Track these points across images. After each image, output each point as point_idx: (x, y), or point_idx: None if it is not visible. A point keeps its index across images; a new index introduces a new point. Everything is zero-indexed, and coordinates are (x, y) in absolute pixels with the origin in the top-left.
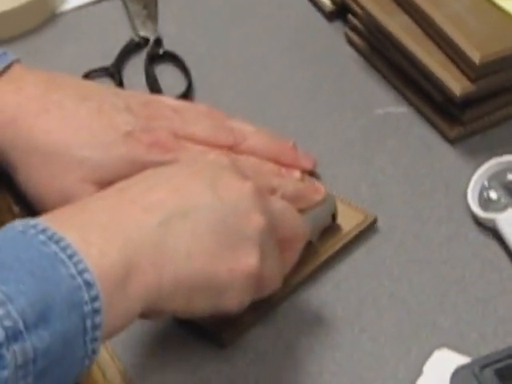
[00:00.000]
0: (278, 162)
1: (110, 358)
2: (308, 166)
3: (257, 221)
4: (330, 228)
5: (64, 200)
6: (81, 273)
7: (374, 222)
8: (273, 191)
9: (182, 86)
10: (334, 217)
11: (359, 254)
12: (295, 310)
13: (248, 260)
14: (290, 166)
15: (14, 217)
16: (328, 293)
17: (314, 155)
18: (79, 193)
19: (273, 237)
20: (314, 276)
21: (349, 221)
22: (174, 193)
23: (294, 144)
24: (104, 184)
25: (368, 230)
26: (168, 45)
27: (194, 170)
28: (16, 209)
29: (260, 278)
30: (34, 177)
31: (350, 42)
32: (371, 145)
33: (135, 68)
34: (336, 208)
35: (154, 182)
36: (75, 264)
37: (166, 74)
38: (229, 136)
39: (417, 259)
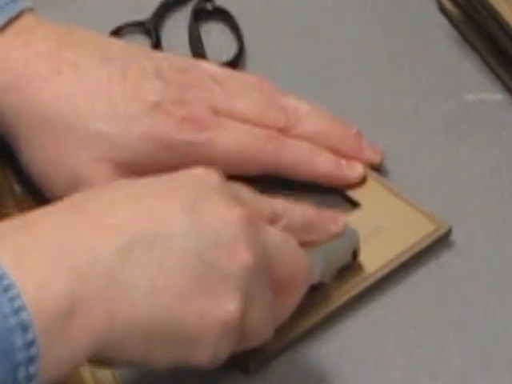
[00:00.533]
0: (336, 150)
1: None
2: (373, 158)
3: (243, 257)
4: (380, 239)
5: (73, 183)
6: (17, 311)
7: (448, 233)
8: (275, 219)
9: (231, 51)
10: (355, 254)
11: (424, 273)
12: (332, 337)
13: (226, 305)
14: (350, 157)
15: (14, 198)
16: (378, 318)
17: (382, 146)
18: (92, 175)
19: (264, 278)
20: (361, 299)
21: (415, 230)
22: (141, 214)
23: (358, 131)
24: (122, 166)
25: (439, 243)
26: None
27: (172, 187)
28: (17, 188)
29: (242, 327)
30: (39, 152)
31: (442, 9)
32: (455, 137)
33: (177, 25)
34: (358, 243)
35: (120, 198)
36: (11, 300)
37: (214, 35)
38: (280, 115)
39: (499, 282)
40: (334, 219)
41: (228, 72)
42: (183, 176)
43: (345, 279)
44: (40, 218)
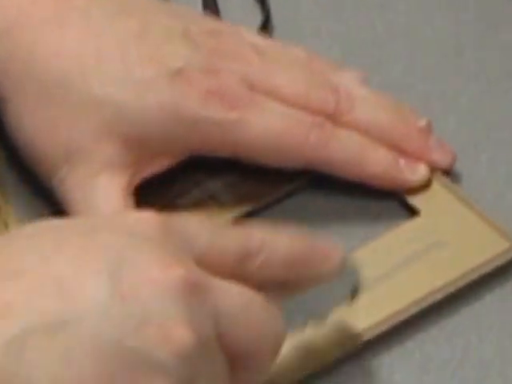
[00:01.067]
0: (397, 147)
1: None
2: (443, 161)
3: (179, 338)
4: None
5: (66, 157)
6: None
7: None
8: (246, 257)
9: (254, 20)
10: (355, 290)
11: (493, 299)
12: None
13: None
14: (414, 156)
15: None
16: (430, 351)
17: (455, 146)
18: (92, 149)
19: (212, 357)
20: (412, 326)
21: (484, 247)
22: (45, 288)
23: (427, 124)
24: (131, 141)
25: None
26: None
27: (92, 244)
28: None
29: None
30: (29, 116)
31: None
32: None
33: None
34: (359, 282)
35: (24, 260)
36: None
37: (234, 1)
38: (329, 98)
39: None
40: (327, 254)
41: (270, 42)
42: (110, 224)
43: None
44: None
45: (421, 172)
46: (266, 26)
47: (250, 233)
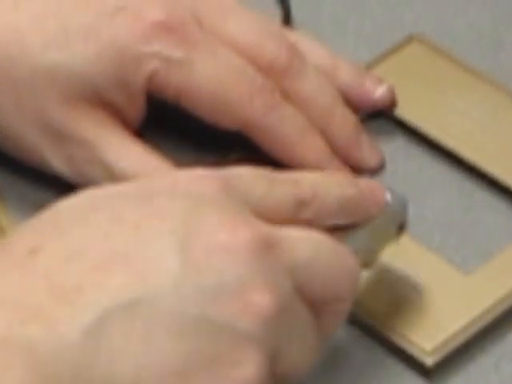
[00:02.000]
0: (329, 133)
1: None
2: (370, 161)
3: (259, 303)
4: None
5: (49, 134)
6: None
7: None
8: (300, 208)
9: (274, 20)
10: (401, 227)
11: None
12: None
13: (243, 372)
14: (343, 148)
15: None
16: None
17: None
18: (67, 122)
19: (295, 312)
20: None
21: None
22: (111, 263)
23: (387, 90)
24: (96, 100)
25: None
26: None
27: (151, 211)
28: None
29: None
30: None
31: None
32: None
33: None
34: (406, 214)
35: (84, 237)
36: None
37: None
38: (282, 54)
39: None
40: (376, 194)
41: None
42: (164, 188)
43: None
44: None
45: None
46: (286, 23)
47: (302, 181)
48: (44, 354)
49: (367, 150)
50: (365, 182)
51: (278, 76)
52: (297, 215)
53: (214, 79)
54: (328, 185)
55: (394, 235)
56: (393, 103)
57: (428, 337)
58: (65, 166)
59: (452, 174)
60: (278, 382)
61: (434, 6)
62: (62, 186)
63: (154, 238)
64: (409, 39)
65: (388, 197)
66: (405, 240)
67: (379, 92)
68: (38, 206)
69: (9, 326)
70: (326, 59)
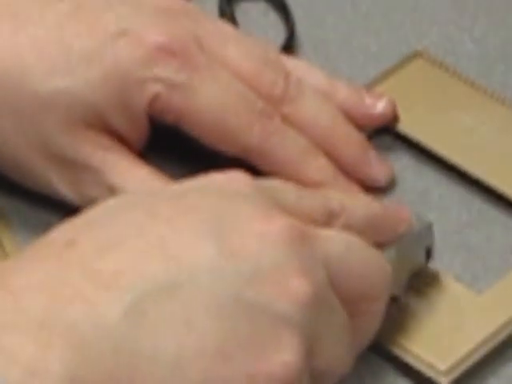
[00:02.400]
0: (335, 153)
1: None
2: (380, 178)
3: (296, 287)
4: None
5: (51, 159)
6: None
7: None
8: (330, 218)
9: (278, 38)
10: (428, 252)
11: None
12: None
13: (281, 356)
14: (351, 167)
15: None
16: None
17: None
18: (71, 146)
19: (330, 303)
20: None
21: None
22: (149, 250)
23: (386, 105)
24: (99, 125)
25: None
26: None
27: (185, 206)
28: None
29: (310, 372)
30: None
31: None
32: None
33: (203, 3)
34: (433, 239)
35: (115, 229)
36: None
37: (252, 16)
38: (279, 81)
39: None
40: (401, 214)
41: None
42: (197, 187)
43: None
44: (16, 275)
45: (356, 192)
46: (290, 44)
47: (330, 196)
48: (85, 334)
49: (376, 166)
50: (388, 202)
51: (276, 103)
52: (327, 226)
53: (215, 103)
54: (354, 201)
55: (421, 261)
56: (395, 117)
57: (442, 357)
58: (71, 191)
59: (460, 191)
60: (314, 381)
61: (438, 22)
62: (67, 208)
63: (186, 229)
64: (413, 56)
65: (414, 218)
66: None
67: (380, 107)
68: (43, 229)
69: (48, 308)
70: (323, 82)
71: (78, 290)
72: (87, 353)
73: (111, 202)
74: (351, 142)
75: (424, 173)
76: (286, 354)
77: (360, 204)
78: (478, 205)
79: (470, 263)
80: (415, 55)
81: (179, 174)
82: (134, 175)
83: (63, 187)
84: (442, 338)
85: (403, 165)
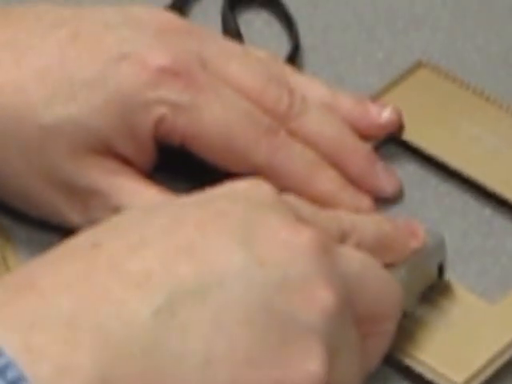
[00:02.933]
0: (342, 166)
1: None
2: (388, 189)
3: (323, 298)
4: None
5: (60, 188)
6: None
7: None
8: (343, 237)
9: (282, 49)
10: (441, 269)
11: None
12: None
13: (307, 364)
14: (359, 179)
15: None
16: None
17: None
18: (80, 173)
19: (348, 319)
20: None
21: None
22: (178, 254)
23: (390, 114)
24: (105, 151)
25: None
26: None
27: (213, 212)
28: None
29: None
30: (4, 164)
31: None
32: None
33: (205, 15)
34: (445, 254)
35: (144, 232)
36: None
37: (256, 27)
38: (284, 97)
39: None
40: (412, 230)
41: (231, 42)
42: (223, 194)
43: None
44: (43, 275)
45: (365, 203)
46: (294, 55)
47: (340, 215)
48: (114, 333)
49: (383, 177)
50: (401, 219)
51: (282, 119)
52: (341, 243)
53: (221, 123)
54: (364, 220)
55: (434, 276)
56: (401, 125)
57: (458, 369)
58: (82, 219)
59: (468, 199)
60: None
61: (442, 31)
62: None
63: (216, 234)
64: (417, 65)
65: (425, 233)
66: None
67: (385, 116)
68: (46, 246)
69: (77, 308)
70: (326, 95)
71: (107, 289)
72: (116, 352)
73: (136, 209)
74: (358, 155)
75: (431, 182)
76: (312, 364)
77: (370, 223)
78: (487, 213)
79: (480, 273)
80: (419, 65)
81: (186, 192)
82: (142, 197)
83: (76, 216)
84: (457, 349)
85: (409, 173)
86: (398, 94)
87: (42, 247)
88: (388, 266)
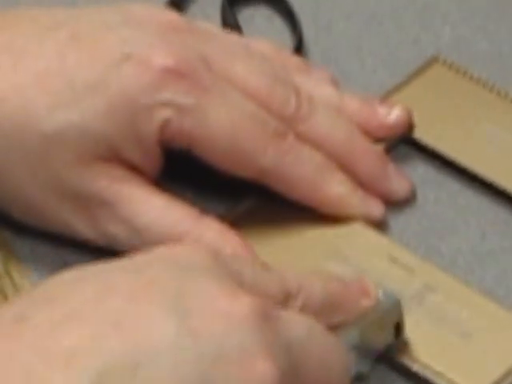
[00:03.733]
0: (352, 168)
1: None
2: (400, 191)
3: (262, 371)
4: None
5: (65, 198)
6: None
7: None
8: (287, 300)
9: (284, 45)
10: (398, 329)
11: None
12: None
13: None
14: (370, 181)
15: None
16: None
17: None
18: (85, 182)
19: None
20: None
21: None
22: (106, 326)
23: (398, 115)
24: (111, 157)
25: None
26: None
27: (144, 280)
28: None
29: None
30: (5, 175)
31: None
32: None
33: (204, 11)
34: (402, 315)
35: (68, 303)
36: None
37: (258, 23)
38: (291, 99)
39: None
40: (363, 288)
41: (235, 36)
42: (157, 258)
43: None
44: None
45: (375, 207)
46: (298, 51)
47: (285, 275)
48: None
49: (395, 179)
50: (353, 278)
51: (289, 121)
52: (285, 306)
53: (227, 126)
54: (311, 279)
55: (391, 337)
56: (411, 125)
57: (476, 380)
58: (90, 229)
59: (484, 200)
60: None
61: (450, 24)
62: (76, 245)
63: (147, 304)
64: (430, 62)
65: (380, 294)
66: (440, 276)
67: (394, 115)
68: (51, 259)
69: None
70: (333, 95)
71: (32, 370)
72: None
73: (66, 275)
74: (368, 157)
75: (446, 182)
76: None
77: (318, 282)
78: (503, 213)
79: (500, 275)
80: (432, 61)
81: (193, 197)
82: (151, 206)
83: (80, 225)
84: (474, 359)
85: (422, 174)
86: (411, 92)
87: (45, 259)
88: (340, 326)
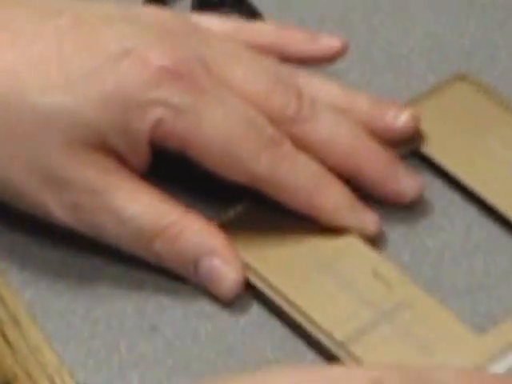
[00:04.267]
0: (359, 171)
1: None
2: (410, 192)
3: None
4: None
5: (47, 181)
6: None
7: None
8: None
9: None
10: None
11: None
12: None
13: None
14: (379, 183)
15: None
16: None
17: None
18: (71, 169)
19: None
20: None
21: None
22: None
23: (407, 119)
24: (99, 146)
25: None
26: None
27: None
28: None
29: None
30: None
31: None
32: None
33: None
34: None
35: None
36: None
37: None
38: (291, 102)
39: None
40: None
41: (228, 23)
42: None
43: None
44: None
45: (371, 222)
46: None
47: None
48: None
49: (405, 181)
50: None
51: (289, 125)
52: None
53: (221, 130)
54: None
55: None
56: (418, 133)
57: None
58: (69, 215)
59: (499, 231)
60: None
61: (484, 40)
62: (64, 248)
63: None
64: (457, 78)
65: None
66: (417, 293)
67: (402, 120)
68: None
69: None
70: (339, 96)
71: None
72: None
73: None
74: (376, 159)
75: (450, 202)
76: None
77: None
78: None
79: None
80: (459, 78)
81: (182, 193)
82: (138, 198)
83: (62, 213)
84: None
85: (432, 191)
86: (432, 106)
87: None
88: None
